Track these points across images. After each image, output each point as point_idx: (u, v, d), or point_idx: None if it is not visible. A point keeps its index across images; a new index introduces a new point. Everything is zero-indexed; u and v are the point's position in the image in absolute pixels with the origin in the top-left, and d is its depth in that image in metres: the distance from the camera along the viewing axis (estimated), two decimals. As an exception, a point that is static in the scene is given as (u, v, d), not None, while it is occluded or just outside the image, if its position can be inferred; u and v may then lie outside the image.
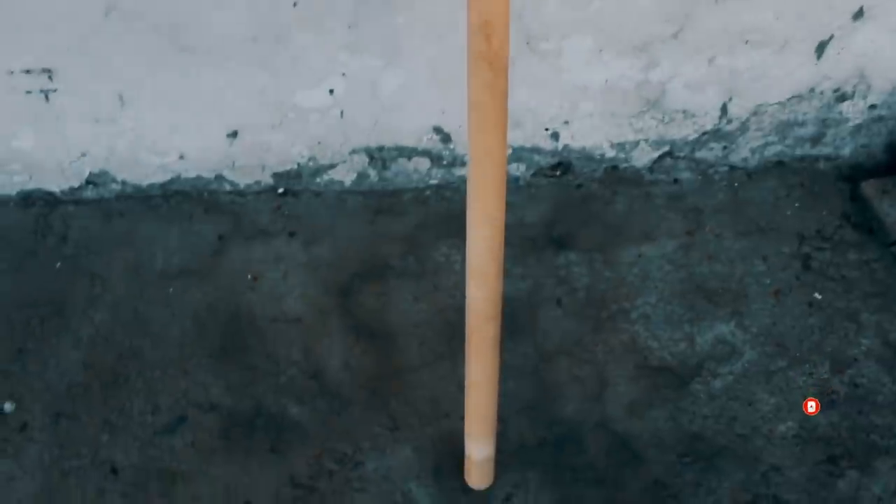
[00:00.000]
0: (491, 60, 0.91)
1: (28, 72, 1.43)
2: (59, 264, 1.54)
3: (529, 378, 1.39)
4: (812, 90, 1.54)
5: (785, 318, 1.45)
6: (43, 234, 1.58)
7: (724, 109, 1.55)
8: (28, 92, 1.46)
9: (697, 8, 1.39)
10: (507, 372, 1.39)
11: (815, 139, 1.62)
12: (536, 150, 1.57)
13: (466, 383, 1.15)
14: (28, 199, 1.62)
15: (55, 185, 1.60)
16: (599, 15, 1.38)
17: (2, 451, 1.33)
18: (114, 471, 1.30)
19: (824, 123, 1.59)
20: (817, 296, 1.48)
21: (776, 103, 1.55)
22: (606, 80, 1.47)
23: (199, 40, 1.37)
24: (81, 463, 1.31)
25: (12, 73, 1.43)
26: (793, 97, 1.54)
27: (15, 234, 1.58)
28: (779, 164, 1.64)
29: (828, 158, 1.65)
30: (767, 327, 1.44)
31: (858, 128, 1.61)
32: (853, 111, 1.58)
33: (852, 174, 1.64)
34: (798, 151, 1.63)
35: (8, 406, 1.38)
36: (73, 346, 1.43)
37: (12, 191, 1.62)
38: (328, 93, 1.45)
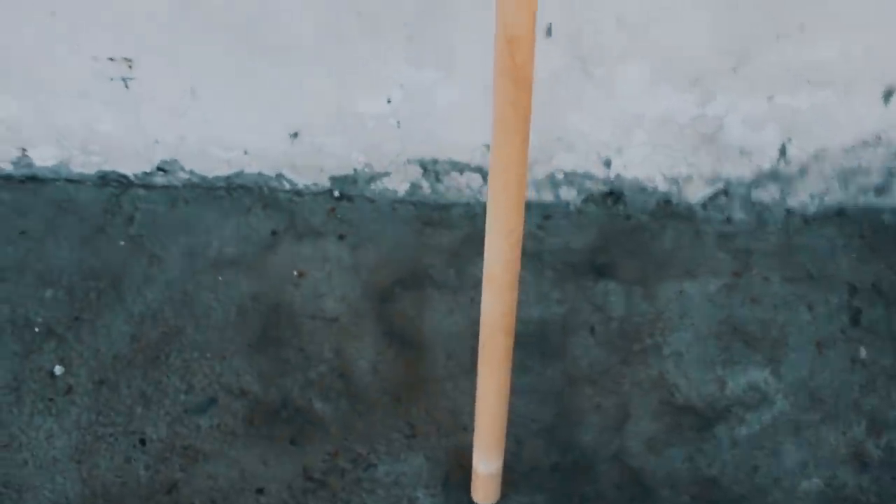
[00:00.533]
0: (515, 76, 0.93)
1: (111, 59, 1.53)
2: (122, 242, 1.63)
3: (552, 402, 1.39)
4: (879, 138, 1.49)
5: (824, 372, 1.41)
6: (112, 213, 1.67)
7: (782, 150, 1.52)
8: (111, 79, 1.55)
9: (757, 43, 1.38)
10: (531, 394, 1.40)
11: (881, 189, 1.57)
12: (588, 176, 1.57)
13: (477, 395, 1.16)
14: (104, 180, 1.72)
15: (129, 169, 1.69)
16: (656, 44, 1.38)
17: (47, 409, 1.41)
18: (142, 441, 1.37)
19: (891, 174, 1.54)
20: (863, 352, 1.43)
21: (839, 148, 1.51)
22: (661, 111, 1.47)
23: (268, 41, 1.43)
24: (114, 430, 1.38)
25: (97, 59, 1.53)
26: (857, 143, 1.50)
27: (88, 210, 1.68)
28: (840, 212, 1.60)
29: (893, 211, 1.59)
30: (804, 379, 1.40)
31: (929, 183, 1.55)
32: (924, 164, 1.53)
33: (920, 230, 1.58)
34: (861, 201, 1.58)
35: (58, 369, 1.46)
36: (124, 320, 1.51)
37: (91, 171, 1.72)
38: (386, 102, 1.50)
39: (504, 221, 1.03)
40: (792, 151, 1.53)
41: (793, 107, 1.47)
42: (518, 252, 1.06)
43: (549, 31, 1.36)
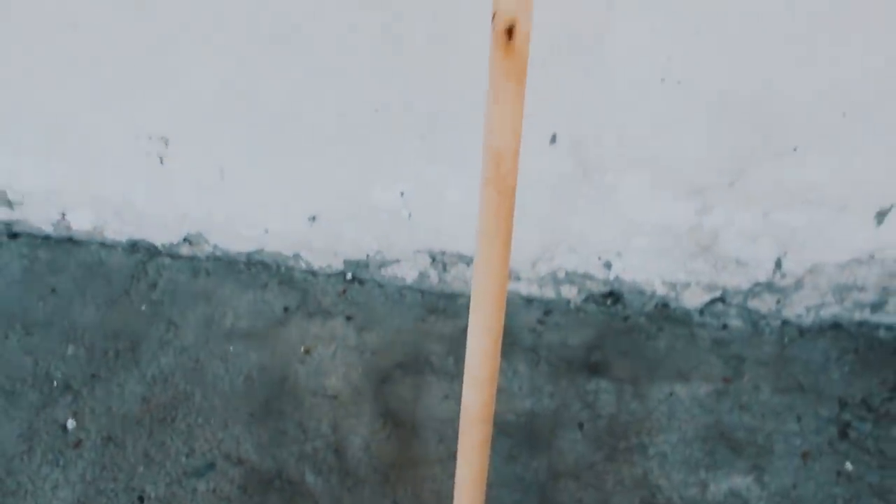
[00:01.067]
0: (499, 186, 1.00)
1: (150, 137, 1.65)
2: (144, 307, 1.72)
3: (536, 493, 1.43)
4: (872, 256, 1.54)
5: (808, 483, 1.43)
6: (138, 279, 1.77)
7: (778, 263, 1.57)
8: (147, 154, 1.67)
9: (752, 160, 1.44)
10: (514, 484, 1.43)
11: (877, 306, 1.60)
12: (589, 276, 1.64)
13: (455, 481, 1.21)
14: (134, 247, 1.83)
15: (157, 239, 1.80)
16: (656, 156, 1.45)
17: (55, 461, 1.48)
18: (141, 499, 1.43)
19: (886, 291, 1.58)
20: (848, 466, 1.45)
21: (834, 264, 1.56)
22: (660, 219, 1.54)
23: (293, 132, 1.54)
24: (115, 486, 1.45)
25: (138, 136, 1.65)
26: (851, 260, 1.55)
27: (116, 275, 1.78)
28: (835, 325, 1.63)
29: (889, 328, 1.62)
30: (787, 489, 1.42)
31: (924, 304, 1.59)
32: (917, 286, 1.57)
33: (914, 350, 1.61)
34: (857, 316, 1.62)
35: (70, 423, 1.54)
36: (138, 381, 1.59)
37: (123, 238, 1.83)
38: (399, 194, 1.59)
39: (485, 320, 1.09)
40: (787, 265, 1.58)
41: (788, 223, 1.52)
42: (498, 348, 1.11)
43: (553, 139, 1.45)
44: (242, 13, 1.41)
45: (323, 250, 1.72)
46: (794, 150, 1.44)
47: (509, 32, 0.93)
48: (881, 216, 1.50)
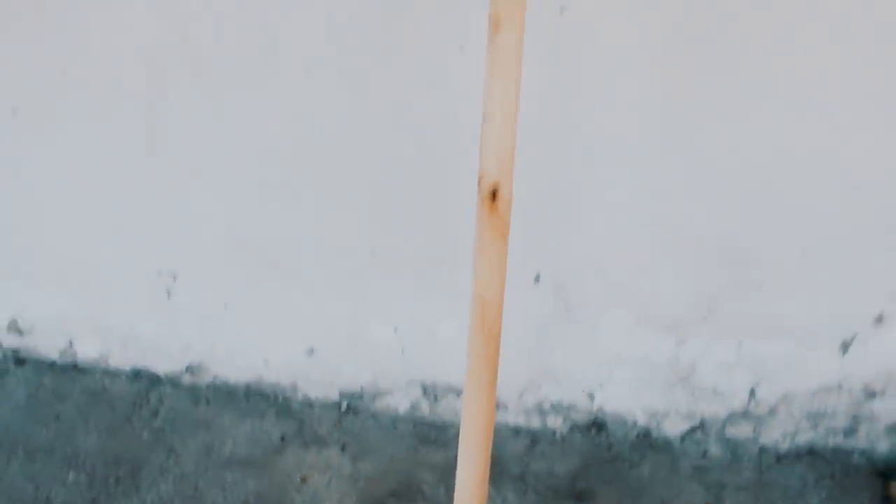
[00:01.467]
0: (484, 332, 1.10)
1: (159, 273, 1.75)
2: (146, 434, 1.78)
3: None
4: (840, 385, 1.63)
5: None
6: (140, 406, 1.84)
7: (752, 392, 1.65)
8: (156, 288, 1.77)
9: (724, 296, 1.55)
10: None
11: (848, 432, 1.68)
12: (573, 407, 1.71)
13: None
14: (137, 375, 1.90)
15: (160, 368, 1.87)
16: (634, 294, 1.56)
17: None
18: None
19: (856, 418, 1.66)
20: None
21: (805, 392, 1.64)
22: (640, 352, 1.63)
23: (293, 271, 1.65)
24: None
25: (147, 271, 1.75)
26: (820, 389, 1.63)
27: (119, 402, 1.85)
28: (811, 451, 1.70)
29: (862, 453, 1.69)
30: None
31: (893, 427, 1.66)
32: (885, 409, 1.64)
33: (888, 471, 1.67)
34: (831, 441, 1.69)
35: (69, 553, 1.58)
36: (137, 510, 1.64)
37: (127, 366, 1.90)
38: (393, 330, 1.68)
39: (473, 451, 1.16)
40: (761, 393, 1.66)
41: (760, 353, 1.61)
42: (486, 478, 1.18)
43: (537, 279, 1.56)
44: (249, 164, 1.54)
45: (320, 381, 1.80)
46: (761, 286, 1.55)
47: (493, 195, 1.05)
48: (845, 346, 1.59)
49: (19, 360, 1.96)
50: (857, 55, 1.34)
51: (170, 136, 1.59)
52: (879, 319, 1.55)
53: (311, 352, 1.76)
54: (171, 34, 1.51)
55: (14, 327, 1.93)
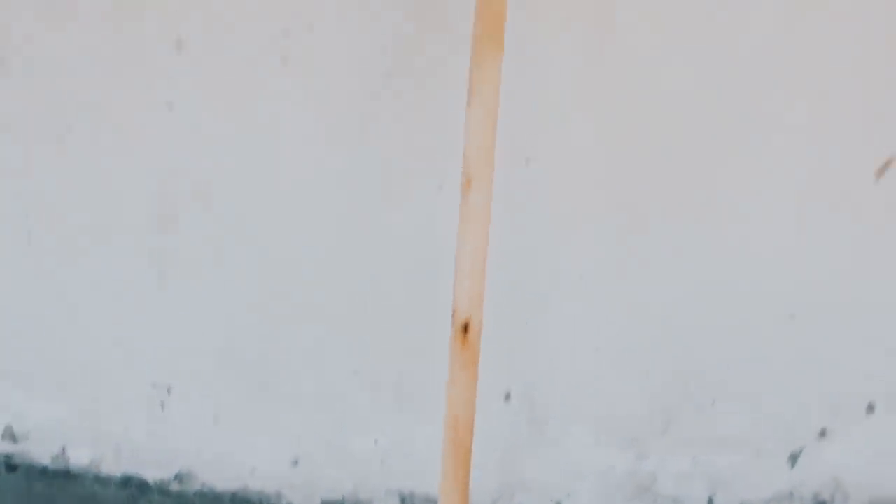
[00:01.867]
0: (455, 447, 1.22)
1: (154, 386, 1.86)
2: (133, 542, 1.85)
3: None
4: (791, 494, 1.74)
5: None
6: (129, 514, 1.92)
7: (710, 501, 1.76)
8: (150, 400, 1.88)
9: (679, 411, 1.68)
10: None
11: (806, 540, 1.79)
12: (543, 513, 1.82)
13: None
14: (127, 482, 1.98)
15: (150, 475, 1.95)
16: (596, 410, 1.69)
17: None
18: None
19: (810, 528, 1.77)
20: None
21: (760, 500, 1.75)
22: (602, 464, 1.74)
23: (279, 388, 1.77)
24: None
25: (143, 383, 1.87)
26: (774, 498, 1.75)
27: (108, 509, 1.93)
28: (768, 560, 1.80)
29: (822, 562, 1.80)
30: None
31: (845, 536, 1.77)
32: (836, 520, 1.76)
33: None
34: (791, 549, 1.80)
35: None
36: None
37: (117, 473, 1.98)
38: (374, 442, 1.79)
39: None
40: (718, 502, 1.77)
41: (715, 464, 1.73)
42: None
43: (507, 397, 1.69)
44: (245, 289, 1.69)
45: (303, 490, 1.89)
46: (713, 402, 1.68)
47: (465, 328, 1.19)
48: (794, 458, 1.72)
49: (11, 466, 2.03)
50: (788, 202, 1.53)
51: (175, 272, 1.74)
52: (823, 433, 1.69)
53: (295, 462, 1.87)
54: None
55: (9, 434, 2.01)
